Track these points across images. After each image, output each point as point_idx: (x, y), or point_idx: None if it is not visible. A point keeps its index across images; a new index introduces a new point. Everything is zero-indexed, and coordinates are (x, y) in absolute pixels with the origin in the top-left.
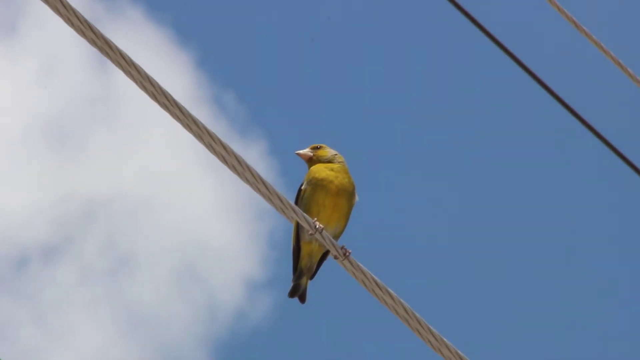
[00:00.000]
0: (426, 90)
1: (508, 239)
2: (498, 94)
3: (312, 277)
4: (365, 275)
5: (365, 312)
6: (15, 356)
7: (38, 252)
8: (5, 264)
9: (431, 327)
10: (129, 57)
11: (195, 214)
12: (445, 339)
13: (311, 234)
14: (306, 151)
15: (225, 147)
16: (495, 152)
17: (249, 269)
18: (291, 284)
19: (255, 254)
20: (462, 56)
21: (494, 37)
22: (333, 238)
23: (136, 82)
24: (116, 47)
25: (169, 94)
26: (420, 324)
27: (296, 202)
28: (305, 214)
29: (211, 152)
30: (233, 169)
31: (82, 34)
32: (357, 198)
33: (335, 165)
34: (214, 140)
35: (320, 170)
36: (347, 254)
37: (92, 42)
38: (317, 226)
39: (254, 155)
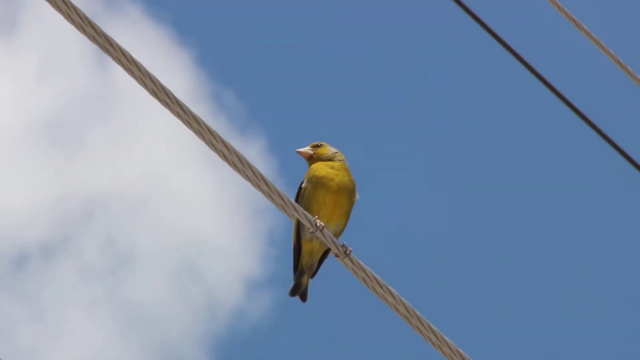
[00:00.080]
0: (426, 88)
1: (509, 236)
2: (499, 91)
3: (313, 276)
4: (365, 273)
5: (366, 310)
6: (14, 355)
7: (37, 250)
8: (4, 263)
9: (432, 325)
10: (129, 54)
11: (195, 212)
12: (446, 337)
13: (312, 232)
14: (306, 149)
15: (226, 144)
16: (495, 150)
17: (248, 267)
18: (292, 283)
19: (254, 252)
20: (462, 54)
21: (496, 34)
22: (334, 236)
23: (137, 80)
24: (117, 44)
25: (170, 91)
26: (421, 322)
27: (296, 200)
28: (306, 212)
29: (212, 149)
30: (234, 166)
31: (83, 30)
32: (357, 196)
33: (335, 164)
34: (214, 138)
35: (320, 168)
36: (348, 252)
37: (93, 39)
38: (318, 224)
39: (253, 153)
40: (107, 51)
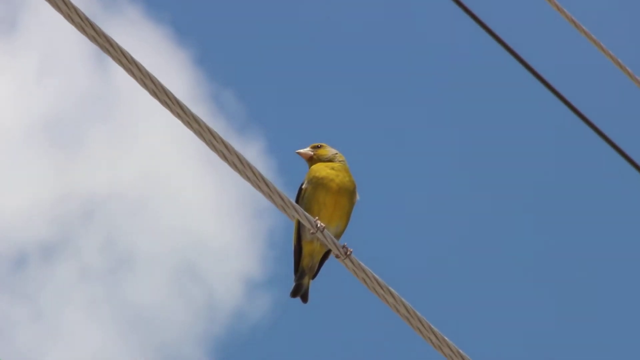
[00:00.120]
0: (427, 88)
1: (510, 237)
2: (499, 91)
3: (313, 277)
4: (366, 274)
5: (367, 311)
6: (13, 355)
7: (37, 250)
8: (4, 263)
9: (432, 326)
10: (129, 55)
11: (194, 213)
12: (446, 338)
13: (312, 233)
14: (306, 150)
15: (226, 144)
16: (496, 150)
17: (248, 268)
18: (293, 284)
19: (254, 253)
20: (463, 54)
21: (496, 35)
22: (334, 237)
23: (137, 80)
24: (117, 44)
25: (170, 92)
26: (421, 322)
27: (297, 202)
28: (306, 213)
29: (212, 149)
30: (234, 166)
31: (83, 31)
32: (358, 197)
33: (335, 164)
34: (214, 138)
35: (321, 169)
36: (349, 252)
37: (93, 40)
38: (319, 225)
39: (252, 153)
40: (107, 51)
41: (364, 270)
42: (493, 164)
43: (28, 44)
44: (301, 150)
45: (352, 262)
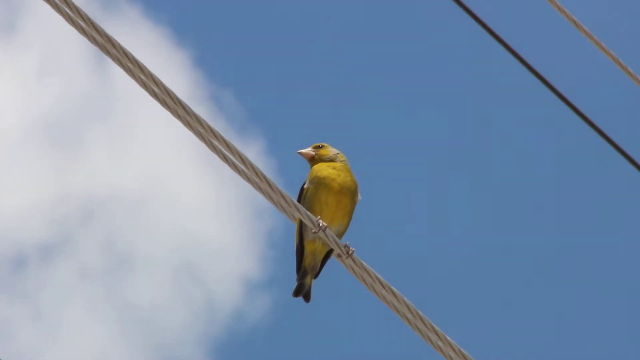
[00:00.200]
0: (427, 88)
1: (512, 236)
2: (499, 91)
3: (316, 276)
4: (368, 274)
5: (367, 310)
6: (13, 355)
7: (36, 251)
8: (3, 263)
9: (435, 326)
10: (132, 55)
11: (194, 213)
12: (449, 338)
13: (315, 232)
14: (308, 150)
15: (229, 145)
16: (497, 150)
17: (247, 268)
18: (295, 283)
19: (253, 254)
20: (463, 54)
21: (496, 35)
22: (336, 236)
23: (137, 81)
24: (119, 45)
25: (173, 93)
26: (424, 322)
27: (299, 201)
28: (308, 212)
29: (212, 150)
30: (234, 167)
31: (83, 32)
32: (359, 196)
33: (337, 164)
34: (217, 139)
35: (322, 169)
36: (351, 252)
37: (93, 40)
38: (321, 224)
39: (252, 154)
40: (107, 52)
41: (366, 270)
42: (495, 163)
43: (28, 44)
44: (303, 150)
45: (354, 262)
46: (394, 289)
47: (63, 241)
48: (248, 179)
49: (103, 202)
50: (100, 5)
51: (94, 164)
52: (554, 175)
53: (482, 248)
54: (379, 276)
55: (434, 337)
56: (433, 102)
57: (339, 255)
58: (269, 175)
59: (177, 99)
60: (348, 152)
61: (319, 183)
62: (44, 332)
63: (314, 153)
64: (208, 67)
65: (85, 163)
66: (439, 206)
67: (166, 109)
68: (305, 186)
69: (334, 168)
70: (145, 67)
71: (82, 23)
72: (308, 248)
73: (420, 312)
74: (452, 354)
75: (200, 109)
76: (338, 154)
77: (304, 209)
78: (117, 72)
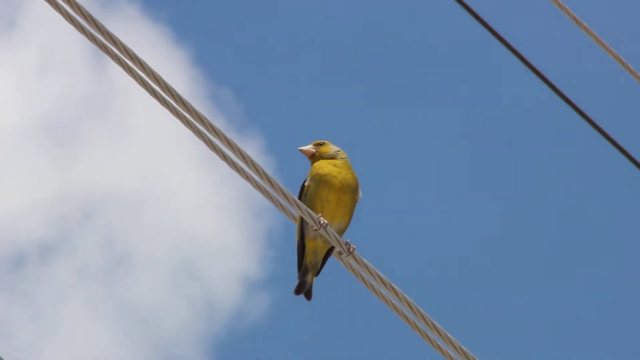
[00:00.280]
0: (428, 86)
1: (512, 235)
2: (500, 90)
3: (317, 274)
4: (369, 271)
5: (368, 308)
6: (12, 354)
7: (35, 250)
8: (2, 262)
9: (436, 323)
10: (134, 53)
11: (193, 212)
12: (449, 335)
13: (316, 230)
14: (309, 147)
15: (230, 142)
16: (498, 149)
17: (246, 267)
18: (297, 281)
19: (253, 253)
20: (464, 54)
21: (498, 34)
22: (337, 234)
23: (136, 80)
24: (121, 42)
25: (175, 91)
26: (424, 319)
27: (299, 199)
28: (309, 210)
29: (211, 149)
30: (233, 166)
31: (82, 30)
32: (360, 194)
33: (338, 162)
34: (219, 137)
35: (323, 167)
36: (352, 249)
37: (92, 39)
38: (322, 222)
39: (251, 153)
40: (106, 51)
41: (367, 267)
42: (495, 162)
43: (26, 43)
44: (303, 147)
45: (355, 259)
46: (395, 286)
47: (62, 240)
48: (247, 178)
49: (102, 201)
50: (99, 3)
51: (93, 163)
52: (556, 175)
53: (482, 247)
54: (380, 273)
55: (434, 335)
56: (434, 100)
57: (340, 253)
58: (269, 174)
59: (179, 96)
60: (348, 151)
61: (320, 180)
62: (43, 331)
63: (314, 150)
64: (207, 65)
65: (85, 162)
66: (439, 204)
67: (165, 107)
68: (306, 184)
69: (335, 165)
70: (147, 64)
71: (81, 21)
72: (309, 246)
73: (421, 309)
74: (453, 352)
75: (199, 108)
76: (339, 151)
77: (305, 207)
78: (117, 70)
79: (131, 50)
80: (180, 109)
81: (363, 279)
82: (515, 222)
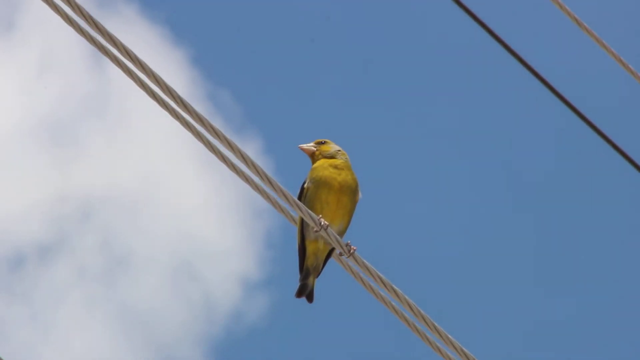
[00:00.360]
0: (428, 87)
1: (512, 234)
2: (500, 90)
3: (317, 275)
4: (370, 272)
5: (366, 310)
6: (10, 355)
7: (34, 251)
8: (1, 263)
9: (436, 324)
10: (134, 54)
11: (192, 214)
12: (450, 335)
13: (316, 231)
14: (309, 146)
15: (230, 143)
16: (498, 148)
17: (245, 268)
18: (298, 284)
19: (251, 254)
20: (463, 54)
21: (496, 35)
22: (337, 235)
23: (135, 82)
24: (122, 44)
25: (176, 92)
26: (425, 320)
27: (299, 200)
28: (310, 211)
29: (210, 150)
30: (232, 168)
31: (81, 32)
32: (360, 195)
33: (338, 162)
34: (219, 137)
35: (323, 168)
36: (352, 251)
37: (91, 41)
38: (322, 223)
39: (250, 154)
40: (105, 53)
41: (367, 268)
42: (496, 161)
43: (26, 44)
44: (304, 146)
45: (356, 260)
46: (396, 288)
47: (61, 241)
48: (247, 180)
49: (101, 202)
50: (97, 3)
51: (93, 164)
52: (555, 176)
53: (484, 245)
54: (381, 274)
55: (434, 337)
56: (435, 100)
57: (340, 254)
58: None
59: (180, 98)
60: (349, 151)
61: (320, 182)
62: (42, 331)
63: (315, 149)
64: (205, 66)
65: (84, 163)
66: (440, 205)
67: (165, 109)
68: (305, 185)
69: (335, 167)
70: (147, 65)
71: (81, 22)
72: (310, 248)
73: (421, 310)
74: (453, 354)
75: (198, 109)
76: (339, 150)
77: (306, 208)
78: (116, 71)
79: (131, 52)
80: (181, 111)
81: (362, 281)
82: (517, 222)
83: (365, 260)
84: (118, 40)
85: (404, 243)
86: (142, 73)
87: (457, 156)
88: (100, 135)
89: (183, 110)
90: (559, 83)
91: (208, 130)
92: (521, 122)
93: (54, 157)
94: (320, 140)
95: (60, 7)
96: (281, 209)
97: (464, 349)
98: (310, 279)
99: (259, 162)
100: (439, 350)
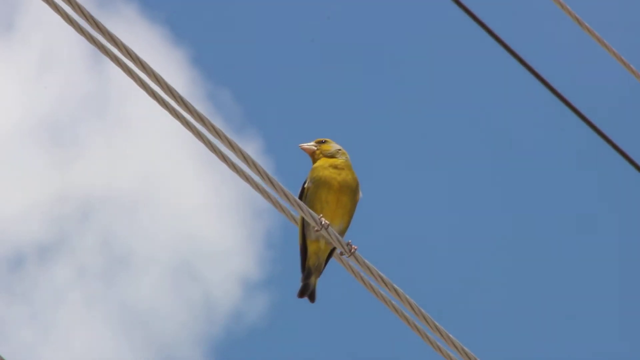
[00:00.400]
0: (428, 87)
1: (514, 234)
2: (501, 90)
3: (319, 275)
4: (371, 272)
5: (367, 310)
6: (10, 354)
7: (34, 251)
8: (1, 263)
9: (437, 323)
10: (135, 54)
11: (192, 213)
12: (451, 335)
13: (317, 231)
14: (310, 145)
15: (231, 143)
16: (498, 149)
17: (245, 268)
18: (300, 284)
19: (251, 254)
20: (463, 53)
21: (495, 35)
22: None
23: (136, 81)
24: (123, 43)
25: (177, 92)
26: (426, 319)
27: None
28: (311, 210)
29: (211, 150)
30: (233, 168)
31: (81, 31)
32: (360, 194)
33: (339, 161)
34: (219, 137)
35: (323, 168)
36: (353, 250)
37: (91, 40)
38: (323, 222)
39: (250, 154)
40: (105, 52)
41: (368, 268)
42: (496, 161)
43: (25, 44)
44: (304, 145)
45: (357, 260)
46: (397, 287)
47: (61, 241)
48: (247, 179)
49: (101, 202)
50: (96, 3)
51: (92, 164)
52: (556, 175)
53: (483, 247)
54: (382, 274)
55: (435, 336)
56: (435, 100)
57: (341, 254)
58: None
59: (181, 97)
60: (348, 151)
61: (319, 182)
62: (42, 331)
63: (315, 148)
64: (205, 66)
65: (84, 162)
66: (440, 204)
67: (165, 109)
68: (305, 185)
69: (336, 167)
70: (148, 65)
71: (81, 22)
72: (311, 248)
73: (422, 310)
74: (454, 353)
75: (198, 109)
76: (340, 150)
77: (307, 207)
78: (116, 71)
79: (132, 51)
80: (181, 110)
81: (363, 280)
82: (518, 222)
83: (366, 260)
84: (119, 39)
85: (404, 242)
86: (143, 72)
87: (458, 155)
88: (100, 135)
89: (184, 110)
90: (559, 83)
91: (209, 130)
92: (521, 121)
93: (53, 157)
94: (321, 139)
95: (61, 7)
96: (282, 209)
97: (464, 348)
98: (312, 278)
99: (259, 162)
100: (440, 350)
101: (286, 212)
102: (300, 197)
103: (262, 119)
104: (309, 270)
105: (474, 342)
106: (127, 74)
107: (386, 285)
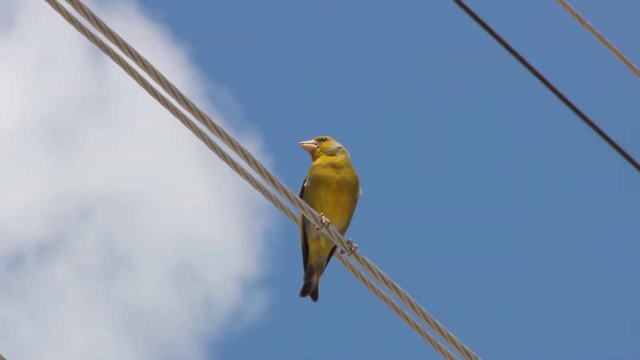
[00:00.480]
0: (428, 86)
1: (513, 232)
2: (500, 89)
3: (321, 274)
4: (371, 270)
5: (366, 308)
6: (10, 354)
7: (33, 250)
8: (0, 262)
9: (437, 322)
10: (135, 52)
11: (192, 212)
12: (451, 334)
13: (318, 229)
14: (310, 143)
15: (232, 140)
16: (498, 147)
17: (245, 267)
18: (302, 283)
19: (250, 253)
20: (463, 53)
21: (495, 34)
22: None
23: (136, 79)
24: (123, 42)
25: (177, 90)
26: (426, 318)
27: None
28: (311, 209)
29: (211, 148)
30: (233, 165)
31: (82, 30)
32: (360, 192)
33: (338, 159)
34: (220, 135)
35: (321, 166)
36: (354, 248)
37: (92, 38)
38: (324, 220)
39: (249, 152)
40: (106, 51)
41: (369, 266)
42: (496, 160)
43: (25, 42)
44: (304, 143)
45: (358, 258)
46: (397, 285)
47: (60, 240)
48: (248, 177)
49: (100, 201)
50: (96, 1)
51: (92, 163)
52: (555, 174)
53: (484, 244)
54: (382, 272)
55: (436, 335)
56: (435, 99)
57: (341, 252)
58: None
59: (182, 95)
60: (348, 149)
61: (318, 181)
62: (41, 330)
63: (315, 146)
64: (205, 64)
65: (83, 161)
66: (441, 202)
67: (166, 107)
68: (305, 184)
69: (335, 165)
70: (148, 63)
71: (81, 20)
72: (312, 247)
73: (423, 308)
74: (455, 352)
75: (198, 107)
76: (339, 147)
77: (307, 205)
78: (116, 70)
79: (133, 49)
80: (182, 108)
81: (363, 279)
82: (518, 222)
83: (366, 258)
84: (119, 37)
85: (405, 240)
86: (143, 71)
87: (458, 154)
88: (100, 134)
89: (184, 108)
90: (559, 83)
91: (209, 128)
92: (521, 121)
93: (53, 156)
94: (321, 137)
95: (61, 5)
96: (282, 207)
97: (465, 347)
98: (314, 277)
99: (259, 160)
100: (440, 349)
101: (286, 211)
102: (300, 196)
103: (262, 118)
104: (311, 269)
105: (475, 341)
106: (128, 72)
107: (387, 284)
